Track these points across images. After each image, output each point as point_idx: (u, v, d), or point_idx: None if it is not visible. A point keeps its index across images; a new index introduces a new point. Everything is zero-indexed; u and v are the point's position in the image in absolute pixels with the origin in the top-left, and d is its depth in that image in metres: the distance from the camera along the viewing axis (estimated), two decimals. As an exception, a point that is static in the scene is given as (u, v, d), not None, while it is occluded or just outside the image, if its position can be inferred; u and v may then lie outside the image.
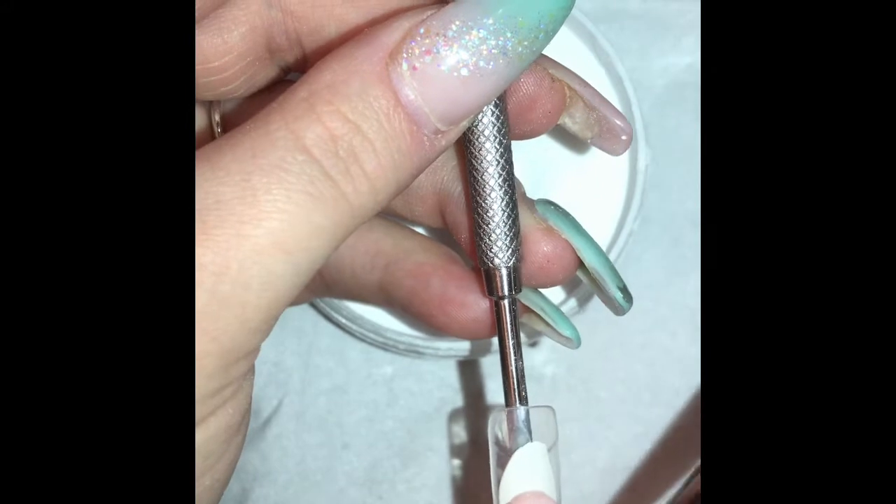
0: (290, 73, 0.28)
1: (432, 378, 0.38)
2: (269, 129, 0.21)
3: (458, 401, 0.38)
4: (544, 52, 0.26)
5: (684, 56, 0.40)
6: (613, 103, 0.38)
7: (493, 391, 0.38)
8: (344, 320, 0.36)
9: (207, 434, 0.21)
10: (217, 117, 0.29)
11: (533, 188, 0.30)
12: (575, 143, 0.36)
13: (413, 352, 0.36)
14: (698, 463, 0.30)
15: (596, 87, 0.38)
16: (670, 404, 0.37)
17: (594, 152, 0.36)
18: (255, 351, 0.22)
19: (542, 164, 0.36)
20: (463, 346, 0.36)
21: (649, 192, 0.37)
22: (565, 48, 0.37)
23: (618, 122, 0.28)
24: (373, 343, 0.37)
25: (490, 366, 0.38)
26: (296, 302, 0.34)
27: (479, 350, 0.36)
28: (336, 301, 0.36)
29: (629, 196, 0.36)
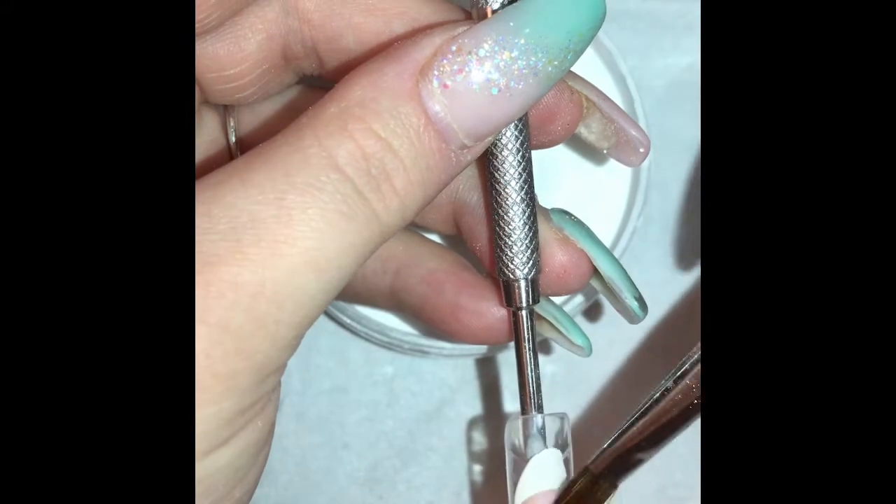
0: (303, 78, 0.28)
1: (433, 378, 0.38)
2: (302, 146, 0.21)
3: (458, 401, 0.38)
4: None
5: (684, 56, 0.40)
6: (616, 101, 0.38)
7: (495, 390, 0.38)
8: (348, 320, 0.36)
9: (239, 448, 0.21)
10: (232, 123, 0.29)
11: (537, 187, 0.30)
12: (578, 142, 0.36)
13: (418, 351, 0.36)
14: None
15: (598, 86, 0.38)
16: (670, 404, 0.37)
17: (596, 151, 0.36)
18: (284, 366, 0.22)
19: (545, 164, 0.36)
20: (468, 346, 0.35)
21: (650, 192, 0.37)
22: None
23: (635, 134, 0.29)
24: (378, 343, 0.37)
25: (493, 366, 0.38)
26: None
27: (485, 349, 0.36)
28: (342, 301, 0.36)
29: (632, 194, 0.36)
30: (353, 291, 0.31)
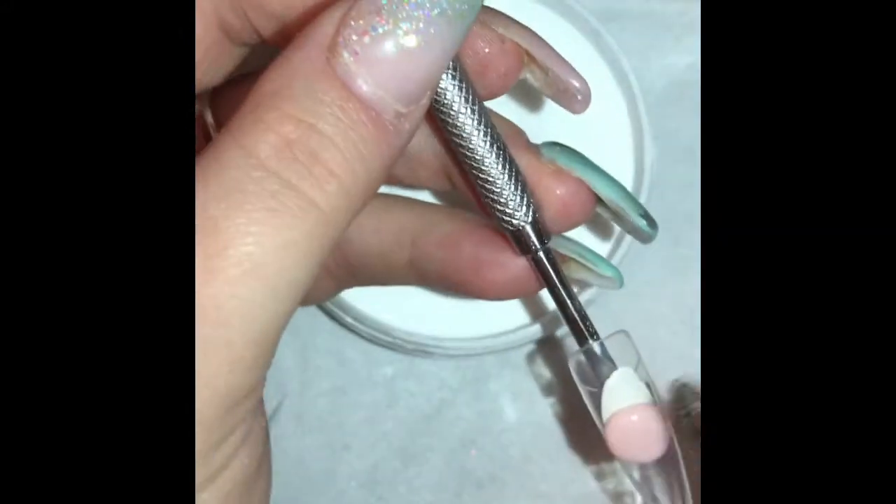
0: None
1: (432, 379, 0.38)
2: (219, 152, 0.20)
3: (458, 402, 0.38)
4: (508, 12, 0.25)
5: (684, 56, 0.40)
6: (618, 99, 0.38)
7: (496, 391, 0.38)
8: (350, 320, 0.36)
9: (223, 492, 0.20)
10: (210, 118, 0.28)
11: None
12: (582, 139, 0.36)
13: (421, 351, 0.36)
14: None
15: (600, 83, 0.37)
16: (671, 404, 0.37)
17: (600, 148, 0.36)
18: (257, 388, 0.20)
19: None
20: (471, 345, 0.36)
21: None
22: (568, 43, 0.37)
23: (574, 83, 0.27)
24: (381, 343, 0.37)
25: (494, 366, 0.38)
26: (322, 297, 0.34)
27: (488, 347, 0.36)
28: (343, 301, 0.36)
29: (636, 191, 0.36)
30: (370, 273, 0.31)
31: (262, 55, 0.24)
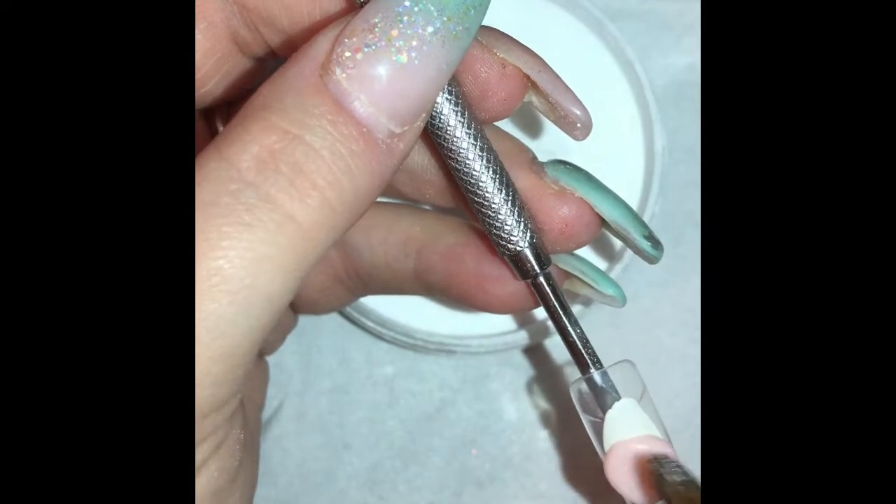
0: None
1: (433, 378, 0.38)
2: (203, 163, 0.20)
3: (458, 401, 0.38)
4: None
5: (684, 56, 0.40)
6: (624, 87, 0.38)
7: (496, 391, 0.38)
8: (371, 324, 0.36)
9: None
10: (221, 129, 0.28)
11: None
12: (586, 146, 0.36)
13: (444, 351, 0.36)
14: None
15: (605, 72, 0.37)
16: (670, 404, 0.37)
17: (609, 141, 0.36)
18: (227, 403, 0.20)
19: (556, 155, 0.36)
20: (494, 342, 0.36)
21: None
22: (573, 36, 0.37)
23: (575, 111, 0.27)
24: (403, 345, 0.37)
25: (493, 366, 0.38)
26: (337, 306, 0.34)
27: (512, 343, 0.36)
28: (363, 305, 0.36)
29: (647, 181, 0.36)
30: (381, 283, 0.31)
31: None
